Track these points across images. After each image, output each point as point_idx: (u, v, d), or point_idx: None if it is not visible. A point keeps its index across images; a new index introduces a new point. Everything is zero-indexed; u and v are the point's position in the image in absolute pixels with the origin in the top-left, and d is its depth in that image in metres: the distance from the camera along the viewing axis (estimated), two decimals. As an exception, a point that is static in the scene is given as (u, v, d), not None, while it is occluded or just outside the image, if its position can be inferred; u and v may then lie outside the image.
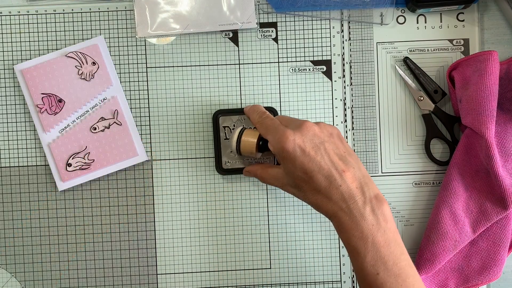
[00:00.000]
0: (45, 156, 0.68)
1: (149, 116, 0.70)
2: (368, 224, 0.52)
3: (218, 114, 0.68)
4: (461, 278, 0.67)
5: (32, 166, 0.69)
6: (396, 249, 0.52)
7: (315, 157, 0.55)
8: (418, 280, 0.53)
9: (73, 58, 0.67)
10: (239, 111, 0.68)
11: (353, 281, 0.70)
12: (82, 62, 0.68)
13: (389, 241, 0.52)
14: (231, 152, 0.68)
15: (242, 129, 0.64)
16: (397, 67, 0.70)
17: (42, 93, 0.67)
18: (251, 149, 0.63)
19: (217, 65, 0.70)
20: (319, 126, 0.57)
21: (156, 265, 0.70)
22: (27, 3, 0.69)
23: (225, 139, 0.68)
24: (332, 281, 0.70)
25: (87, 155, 0.68)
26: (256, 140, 0.63)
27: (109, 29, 0.69)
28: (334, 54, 0.70)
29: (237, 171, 0.68)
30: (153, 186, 0.69)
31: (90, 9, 0.69)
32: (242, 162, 0.68)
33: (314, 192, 0.55)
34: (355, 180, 0.54)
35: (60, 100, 0.67)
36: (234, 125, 0.68)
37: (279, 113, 0.69)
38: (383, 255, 0.52)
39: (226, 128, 0.68)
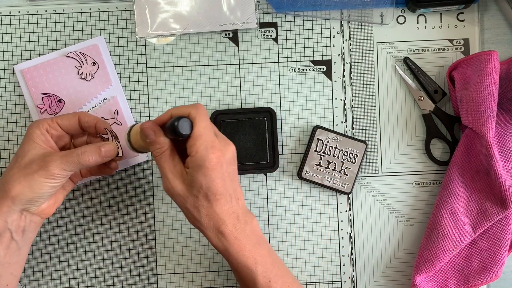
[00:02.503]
0: (45, 156, 0.68)
1: (149, 116, 0.70)
2: (252, 242, 0.57)
3: (217, 115, 0.68)
4: (461, 278, 0.67)
5: (32, 166, 0.69)
6: (275, 255, 0.59)
7: (227, 181, 0.55)
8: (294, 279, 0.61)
9: (73, 58, 0.67)
10: (239, 112, 0.68)
11: (353, 281, 0.70)
12: (82, 62, 0.68)
13: (269, 250, 0.59)
14: (315, 164, 0.68)
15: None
16: (397, 67, 0.70)
17: (42, 93, 0.67)
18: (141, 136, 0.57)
19: (217, 65, 0.70)
20: (230, 142, 0.57)
21: (156, 265, 0.70)
22: (27, 3, 0.69)
23: (314, 150, 0.68)
24: (332, 281, 0.70)
25: (87, 155, 0.68)
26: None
27: (109, 29, 0.69)
28: (334, 54, 0.70)
29: (314, 183, 0.68)
30: (153, 186, 0.69)
31: (90, 9, 0.69)
32: (319, 178, 0.68)
33: (211, 212, 0.55)
34: (243, 207, 0.58)
35: (60, 100, 0.67)
36: (328, 141, 0.68)
37: (278, 114, 0.69)
38: (269, 263, 0.58)
39: (319, 140, 0.67)
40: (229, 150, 0.55)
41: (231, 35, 0.70)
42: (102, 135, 0.61)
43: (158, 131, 0.56)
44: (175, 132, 0.53)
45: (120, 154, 0.60)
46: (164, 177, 0.56)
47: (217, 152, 0.54)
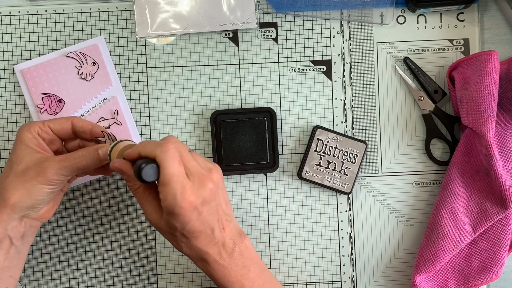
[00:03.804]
0: (45, 156, 0.68)
1: (149, 116, 0.70)
2: (239, 267, 0.56)
3: (217, 115, 0.68)
4: (461, 278, 0.67)
5: (32, 166, 0.69)
6: (267, 276, 0.58)
7: (206, 218, 0.53)
8: None
9: (73, 58, 0.67)
10: (239, 112, 0.68)
11: (353, 281, 0.70)
12: (82, 62, 0.68)
13: (260, 272, 0.57)
14: (315, 164, 0.68)
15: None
16: (397, 67, 0.70)
17: (42, 93, 0.67)
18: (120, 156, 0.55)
19: (217, 65, 0.70)
20: (211, 175, 0.53)
21: (156, 265, 0.70)
22: (27, 3, 0.69)
23: (314, 150, 0.68)
24: (332, 281, 0.70)
25: (87, 155, 0.68)
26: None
27: (109, 29, 0.69)
28: (334, 54, 0.70)
29: (314, 183, 0.68)
30: (153, 186, 0.69)
31: (90, 9, 0.69)
32: (319, 178, 0.68)
33: (191, 246, 0.54)
34: (230, 233, 0.56)
35: (60, 100, 0.67)
36: (328, 141, 0.67)
37: (278, 114, 0.69)
38: (257, 287, 0.57)
39: (319, 140, 0.67)
40: (206, 189, 0.52)
41: (231, 35, 0.70)
42: (99, 138, 0.60)
43: (127, 171, 0.54)
44: (140, 179, 0.51)
45: None
46: (143, 210, 0.56)
47: (188, 198, 0.51)
